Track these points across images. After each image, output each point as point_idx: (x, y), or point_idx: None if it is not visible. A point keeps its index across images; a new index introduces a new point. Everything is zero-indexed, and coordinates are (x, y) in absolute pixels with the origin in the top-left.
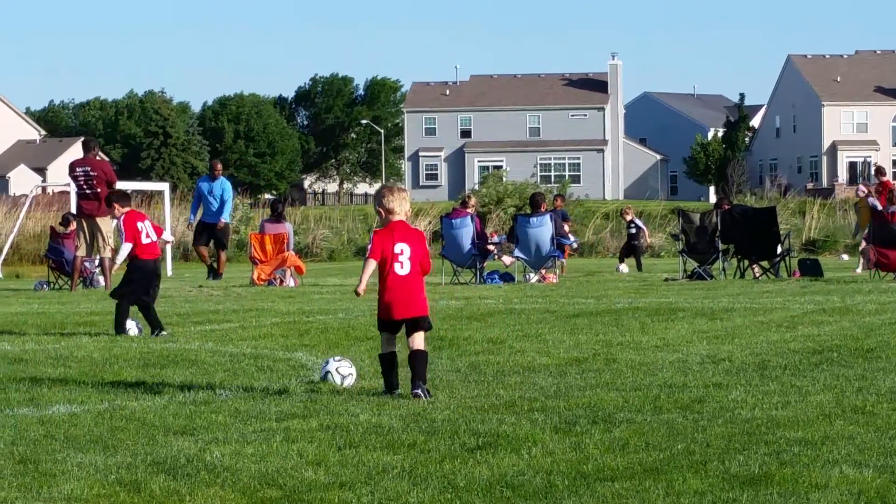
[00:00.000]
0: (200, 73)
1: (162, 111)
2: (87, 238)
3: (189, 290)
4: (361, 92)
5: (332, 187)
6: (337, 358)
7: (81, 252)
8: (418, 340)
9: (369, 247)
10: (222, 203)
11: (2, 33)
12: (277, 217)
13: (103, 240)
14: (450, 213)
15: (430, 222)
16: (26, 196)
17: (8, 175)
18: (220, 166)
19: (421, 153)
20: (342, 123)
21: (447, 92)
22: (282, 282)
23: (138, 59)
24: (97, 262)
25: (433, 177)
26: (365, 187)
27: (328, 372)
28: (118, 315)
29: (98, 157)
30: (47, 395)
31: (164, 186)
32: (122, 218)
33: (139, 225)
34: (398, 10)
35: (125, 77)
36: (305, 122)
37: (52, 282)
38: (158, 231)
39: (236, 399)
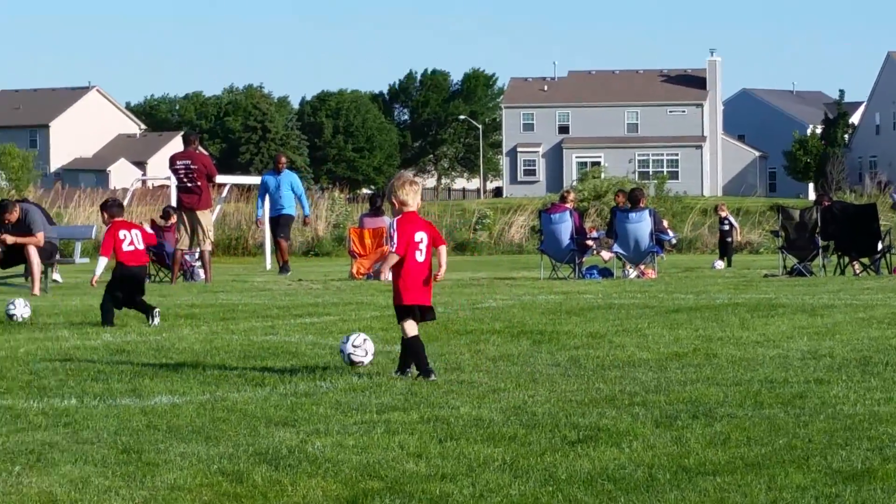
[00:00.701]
0: (300, 68)
1: (261, 106)
2: (188, 231)
3: (289, 283)
4: (458, 86)
5: (430, 182)
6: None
7: (182, 245)
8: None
9: (394, 238)
10: (295, 197)
11: (102, 28)
12: (376, 211)
13: (203, 233)
14: (549, 207)
15: (527, 217)
16: (127, 190)
17: (108, 169)
18: (283, 159)
19: (519, 149)
20: (439, 118)
21: (545, 87)
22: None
23: (238, 54)
24: (197, 255)
25: (531, 172)
26: (463, 182)
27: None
28: (102, 310)
29: (198, 151)
30: (149, 385)
31: None
32: (107, 228)
33: (121, 233)
34: (496, 6)
35: (225, 72)
36: (403, 118)
37: (152, 275)
38: (151, 238)
39: (337, 391)
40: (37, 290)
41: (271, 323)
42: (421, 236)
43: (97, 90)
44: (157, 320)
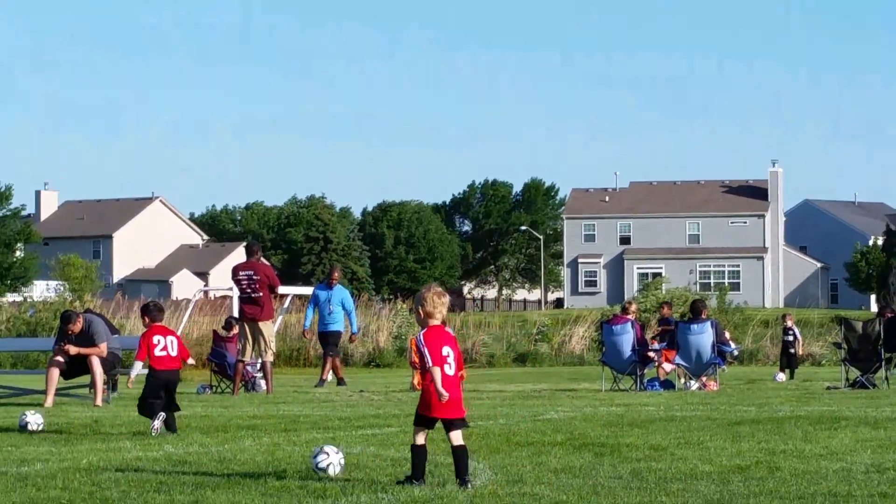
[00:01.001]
0: (361, 179)
1: (323, 216)
2: (250, 342)
3: (350, 394)
4: (519, 196)
5: (491, 293)
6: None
7: (244, 356)
8: (457, 437)
9: (426, 353)
10: (345, 312)
11: (166, 140)
12: None
13: (265, 343)
14: (610, 319)
15: (588, 328)
16: (189, 300)
17: (171, 279)
18: (337, 274)
19: (580, 259)
20: (501, 229)
21: (606, 198)
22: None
23: (300, 165)
24: (259, 366)
25: (592, 283)
26: (524, 293)
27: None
28: (141, 411)
29: (261, 261)
30: (211, 497)
31: None
32: (144, 332)
33: (155, 338)
34: (556, 118)
35: (287, 182)
36: (465, 228)
37: (214, 385)
38: (185, 352)
39: (398, 503)
40: (99, 401)
41: (333, 434)
42: (448, 350)
43: (160, 201)
44: (154, 430)
